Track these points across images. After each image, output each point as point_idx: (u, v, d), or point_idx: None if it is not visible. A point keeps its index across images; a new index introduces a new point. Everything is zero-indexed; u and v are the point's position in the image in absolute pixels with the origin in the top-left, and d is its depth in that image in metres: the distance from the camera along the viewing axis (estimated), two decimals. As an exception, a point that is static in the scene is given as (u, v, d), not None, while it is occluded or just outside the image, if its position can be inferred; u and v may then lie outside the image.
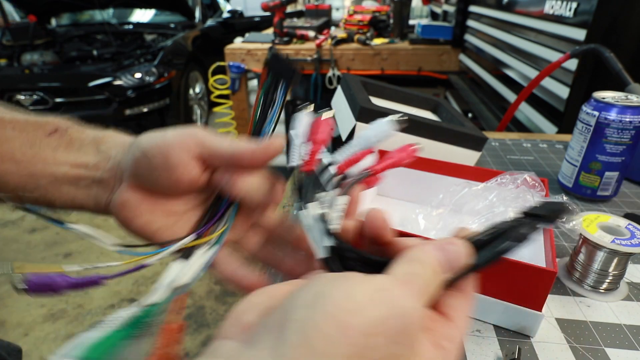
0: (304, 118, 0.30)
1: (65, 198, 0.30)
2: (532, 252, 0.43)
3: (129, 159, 0.28)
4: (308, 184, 0.27)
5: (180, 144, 0.27)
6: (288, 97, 0.28)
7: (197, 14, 3.54)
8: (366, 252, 0.23)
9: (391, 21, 2.34)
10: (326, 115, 0.30)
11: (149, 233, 0.30)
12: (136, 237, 0.30)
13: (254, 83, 2.31)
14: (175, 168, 0.27)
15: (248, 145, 0.27)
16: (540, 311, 0.35)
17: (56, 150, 0.30)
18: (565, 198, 0.41)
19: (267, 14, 2.36)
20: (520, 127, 1.20)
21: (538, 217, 0.22)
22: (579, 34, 0.88)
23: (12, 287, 0.24)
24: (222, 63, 2.30)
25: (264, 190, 0.28)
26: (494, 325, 0.38)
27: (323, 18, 2.55)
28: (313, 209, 0.25)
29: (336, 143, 0.66)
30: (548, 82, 1.01)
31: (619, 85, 0.70)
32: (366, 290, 0.18)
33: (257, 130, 0.29)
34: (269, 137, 0.28)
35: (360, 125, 0.59)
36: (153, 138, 0.27)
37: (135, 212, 0.29)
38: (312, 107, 0.30)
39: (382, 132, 0.28)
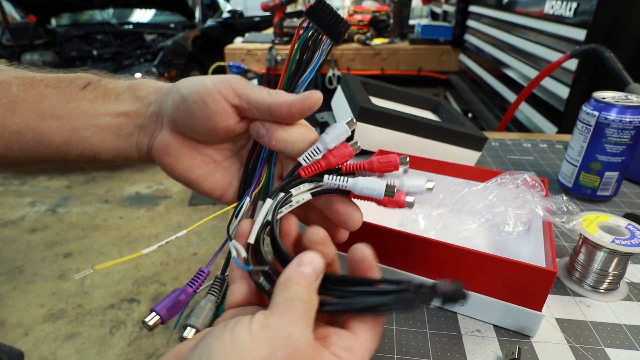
0: (342, 131, 0.28)
1: (109, 150, 0.31)
2: (532, 252, 0.43)
3: (169, 104, 0.29)
4: (289, 182, 0.28)
5: (219, 91, 0.27)
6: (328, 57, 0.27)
7: (197, 14, 3.54)
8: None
9: (391, 21, 2.34)
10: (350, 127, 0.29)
11: (192, 180, 0.30)
12: (179, 182, 0.31)
13: (254, 83, 2.30)
14: (213, 115, 0.27)
15: (286, 96, 0.27)
16: (540, 311, 0.35)
17: (94, 102, 0.30)
18: (565, 198, 0.41)
19: (267, 14, 2.36)
20: (520, 127, 1.20)
21: (428, 295, 0.22)
22: (579, 34, 0.88)
23: (145, 328, 0.25)
24: (222, 63, 2.30)
25: (301, 143, 0.28)
26: (494, 325, 0.38)
27: (323, 18, 2.55)
28: (268, 204, 0.27)
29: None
30: (548, 82, 1.01)
31: (619, 85, 0.70)
32: (250, 331, 0.19)
33: (291, 86, 0.29)
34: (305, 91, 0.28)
35: (360, 125, 0.59)
36: (193, 84, 0.28)
37: (177, 157, 0.30)
38: (355, 124, 0.29)
39: (339, 136, 0.28)
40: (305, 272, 0.22)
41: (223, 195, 0.31)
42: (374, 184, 0.27)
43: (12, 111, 0.29)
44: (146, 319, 0.25)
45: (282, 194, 0.27)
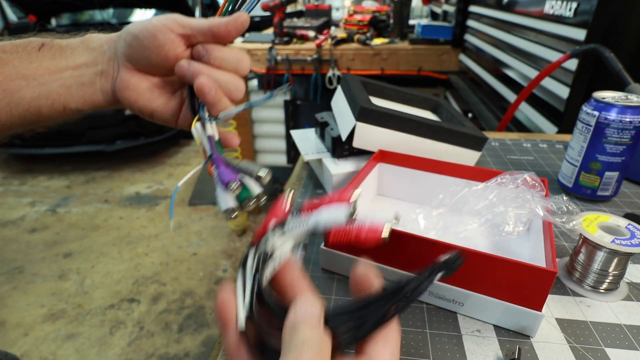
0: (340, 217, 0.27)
1: (76, 98, 0.34)
2: (532, 252, 0.43)
3: (122, 45, 0.33)
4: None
5: (165, 25, 0.32)
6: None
7: (197, 14, 3.54)
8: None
9: (391, 21, 2.34)
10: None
11: (153, 110, 0.35)
12: (141, 116, 0.36)
13: (254, 83, 2.30)
14: (163, 45, 0.32)
15: (222, 18, 0.32)
16: (540, 311, 0.35)
17: (53, 59, 0.34)
18: (565, 198, 0.41)
19: (267, 14, 2.36)
20: (520, 127, 1.20)
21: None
22: (579, 34, 0.88)
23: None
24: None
25: (234, 60, 0.33)
26: (494, 325, 0.38)
27: (323, 18, 2.55)
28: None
29: (336, 143, 0.66)
30: (548, 82, 1.01)
31: (619, 85, 0.70)
32: None
33: (230, 12, 0.34)
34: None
35: (360, 125, 0.59)
36: (141, 23, 0.32)
37: (136, 90, 0.34)
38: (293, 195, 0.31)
39: (335, 221, 0.27)
40: (309, 311, 0.22)
41: (179, 120, 0.36)
42: (335, 211, 0.27)
43: None
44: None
45: (252, 261, 0.26)
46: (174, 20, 0.32)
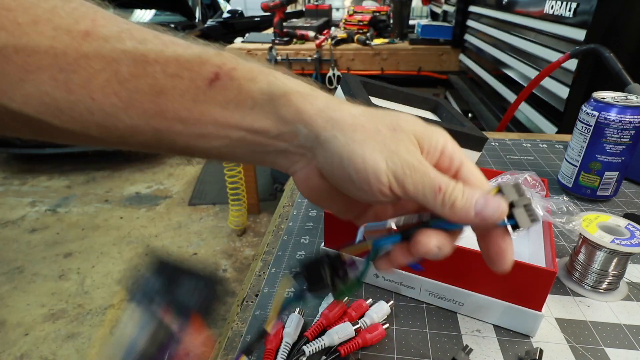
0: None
1: (239, 159, 0.28)
2: (532, 252, 0.43)
3: (327, 161, 0.25)
4: None
5: (390, 186, 0.24)
6: None
7: (197, 14, 3.55)
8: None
9: (391, 21, 2.34)
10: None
11: (329, 209, 0.30)
12: None
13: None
14: (377, 196, 0.25)
15: (465, 210, 0.24)
16: (540, 311, 0.35)
17: (226, 109, 0.25)
18: (565, 198, 0.41)
19: (267, 14, 2.36)
20: (520, 127, 1.20)
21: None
22: (579, 34, 0.88)
23: None
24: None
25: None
26: (494, 325, 0.38)
27: (323, 18, 2.55)
28: None
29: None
30: (548, 82, 1.01)
31: (619, 85, 0.70)
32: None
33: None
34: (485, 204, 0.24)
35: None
36: (361, 160, 0.24)
37: (319, 197, 0.28)
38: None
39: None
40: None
41: (355, 220, 0.30)
42: (344, 329, 0.35)
43: (127, 103, 0.24)
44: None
45: None
46: (404, 188, 0.24)
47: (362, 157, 0.24)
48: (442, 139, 0.26)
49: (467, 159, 0.26)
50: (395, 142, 0.24)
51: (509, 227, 0.24)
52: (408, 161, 0.24)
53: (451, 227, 0.25)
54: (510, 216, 0.24)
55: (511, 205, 0.24)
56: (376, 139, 0.24)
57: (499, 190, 0.24)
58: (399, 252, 0.26)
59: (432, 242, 0.24)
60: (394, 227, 0.26)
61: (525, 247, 0.45)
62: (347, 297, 0.31)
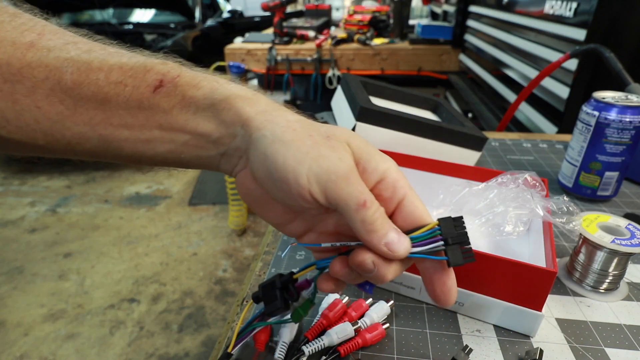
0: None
1: (186, 163, 0.28)
2: (532, 252, 0.43)
3: (255, 160, 0.25)
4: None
5: (311, 192, 0.24)
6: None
7: (197, 14, 3.54)
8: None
9: (391, 21, 2.34)
10: None
11: (269, 220, 0.29)
12: None
13: (254, 83, 2.30)
14: (297, 200, 0.25)
15: (375, 233, 0.24)
16: (540, 311, 0.35)
17: (169, 114, 0.26)
18: (566, 198, 0.41)
19: (267, 14, 2.36)
20: (520, 127, 1.20)
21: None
22: (579, 34, 0.88)
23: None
24: (222, 63, 2.30)
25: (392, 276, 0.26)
26: (494, 325, 0.38)
27: (323, 18, 2.55)
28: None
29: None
30: (548, 82, 1.01)
31: (619, 85, 0.70)
32: None
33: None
34: (400, 244, 0.25)
35: (360, 125, 0.59)
36: (282, 162, 0.24)
37: (257, 202, 0.28)
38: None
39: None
40: None
41: (302, 236, 0.29)
42: (344, 329, 0.35)
43: (72, 110, 0.24)
44: None
45: None
46: (326, 196, 0.24)
47: (284, 156, 0.24)
48: (384, 164, 0.25)
49: (413, 192, 0.26)
50: (326, 148, 0.24)
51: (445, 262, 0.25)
52: (337, 167, 0.23)
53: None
54: (445, 251, 0.24)
55: (446, 242, 0.24)
56: (305, 142, 0.24)
57: (438, 224, 0.25)
58: (338, 266, 0.26)
59: (368, 256, 0.24)
60: (327, 245, 0.27)
61: (525, 247, 0.45)
62: (302, 317, 0.30)
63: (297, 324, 0.36)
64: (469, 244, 0.24)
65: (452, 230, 0.24)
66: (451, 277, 0.25)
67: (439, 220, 0.25)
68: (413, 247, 0.25)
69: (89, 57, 0.25)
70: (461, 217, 0.25)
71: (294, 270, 0.29)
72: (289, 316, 0.30)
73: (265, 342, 0.34)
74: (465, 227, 0.25)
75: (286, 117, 0.26)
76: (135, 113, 0.25)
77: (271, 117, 0.25)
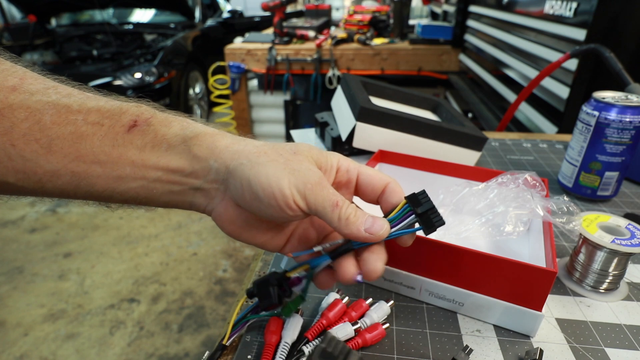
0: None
1: (158, 202, 0.29)
2: (532, 252, 0.43)
3: (237, 188, 0.27)
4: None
5: (295, 200, 0.27)
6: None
7: (197, 14, 3.54)
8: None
9: (391, 21, 2.34)
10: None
11: (256, 244, 0.31)
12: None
13: (254, 83, 2.30)
14: (284, 215, 0.27)
15: (352, 228, 0.27)
16: (541, 311, 0.35)
17: (142, 151, 0.27)
18: (566, 198, 0.41)
19: (267, 14, 2.36)
20: (520, 127, 1.20)
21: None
22: (579, 34, 0.88)
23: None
24: (222, 63, 2.30)
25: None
26: (494, 325, 0.38)
27: (323, 18, 2.55)
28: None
29: (336, 143, 0.66)
30: (548, 82, 1.01)
31: (619, 85, 0.70)
32: None
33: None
34: (377, 229, 0.28)
35: (360, 125, 0.59)
36: (267, 182, 0.26)
37: (241, 228, 0.30)
38: None
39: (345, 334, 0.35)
40: None
41: (285, 247, 0.33)
42: (344, 329, 0.34)
43: (47, 148, 0.25)
44: None
45: None
46: (306, 201, 0.27)
47: (266, 176, 0.26)
48: (334, 159, 0.31)
49: (363, 166, 0.31)
50: (296, 162, 0.28)
51: (422, 232, 0.29)
52: (309, 177, 0.27)
53: (368, 244, 0.29)
54: (418, 222, 0.28)
55: (417, 214, 0.28)
56: (278, 160, 0.27)
57: (407, 200, 0.29)
58: (324, 277, 0.30)
59: (351, 269, 0.29)
60: (319, 249, 0.30)
61: (525, 248, 0.45)
62: (293, 312, 0.33)
63: (299, 326, 0.36)
64: (437, 211, 0.28)
65: (419, 203, 0.28)
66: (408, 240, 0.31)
67: (406, 198, 0.29)
68: (392, 228, 0.28)
69: (69, 100, 0.26)
70: (424, 191, 0.29)
71: (287, 269, 0.32)
72: (279, 310, 0.32)
73: (276, 344, 0.34)
74: (429, 198, 0.28)
75: (254, 144, 0.29)
76: (109, 151, 0.26)
77: (240, 147, 0.28)
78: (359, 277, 0.29)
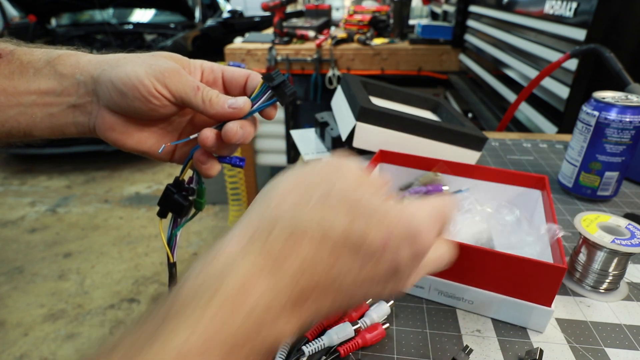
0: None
1: (41, 127, 0.31)
2: (537, 250, 0.43)
3: (106, 92, 0.29)
4: None
5: (157, 90, 0.29)
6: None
7: (197, 14, 3.54)
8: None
9: (391, 21, 2.34)
10: None
11: (144, 151, 0.33)
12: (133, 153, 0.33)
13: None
14: (153, 107, 0.29)
15: (217, 108, 0.30)
16: (550, 307, 0.35)
17: (11, 79, 0.29)
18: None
19: (267, 14, 2.36)
20: (520, 127, 1.20)
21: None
22: (579, 34, 0.88)
23: None
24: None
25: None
26: (494, 325, 0.38)
27: (323, 18, 2.55)
28: None
29: (336, 143, 0.66)
30: (548, 82, 1.01)
31: (619, 85, 0.70)
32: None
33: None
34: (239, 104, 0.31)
35: (360, 125, 0.59)
36: (128, 78, 0.28)
37: (124, 133, 0.31)
38: None
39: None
40: None
41: (175, 157, 0.35)
42: (344, 329, 0.35)
43: None
44: None
45: None
46: (167, 87, 0.29)
47: (125, 73, 0.28)
48: (199, 62, 0.33)
49: (225, 67, 0.34)
50: (153, 59, 0.30)
51: (278, 104, 0.32)
52: (166, 66, 0.29)
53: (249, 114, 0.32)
54: (274, 95, 0.31)
55: (272, 87, 0.31)
56: (136, 59, 0.30)
57: (263, 79, 0.32)
58: (208, 132, 0.31)
59: (235, 125, 0.30)
60: (195, 136, 0.31)
61: (532, 248, 0.45)
62: (204, 205, 0.35)
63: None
64: (288, 83, 0.31)
65: (273, 79, 0.31)
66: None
67: (262, 78, 0.32)
68: (254, 104, 0.31)
69: None
70: (278, 70, 0.32)
71: (177, 175, 0.34)
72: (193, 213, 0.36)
73: None
74: (281, 74, 0.31)
75: (115, 54, 0.31)
76: None
77: (101, 58, 0.31)
78: (239, 162, 0.32)
